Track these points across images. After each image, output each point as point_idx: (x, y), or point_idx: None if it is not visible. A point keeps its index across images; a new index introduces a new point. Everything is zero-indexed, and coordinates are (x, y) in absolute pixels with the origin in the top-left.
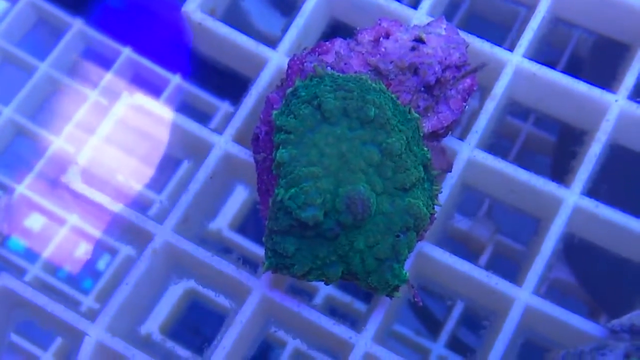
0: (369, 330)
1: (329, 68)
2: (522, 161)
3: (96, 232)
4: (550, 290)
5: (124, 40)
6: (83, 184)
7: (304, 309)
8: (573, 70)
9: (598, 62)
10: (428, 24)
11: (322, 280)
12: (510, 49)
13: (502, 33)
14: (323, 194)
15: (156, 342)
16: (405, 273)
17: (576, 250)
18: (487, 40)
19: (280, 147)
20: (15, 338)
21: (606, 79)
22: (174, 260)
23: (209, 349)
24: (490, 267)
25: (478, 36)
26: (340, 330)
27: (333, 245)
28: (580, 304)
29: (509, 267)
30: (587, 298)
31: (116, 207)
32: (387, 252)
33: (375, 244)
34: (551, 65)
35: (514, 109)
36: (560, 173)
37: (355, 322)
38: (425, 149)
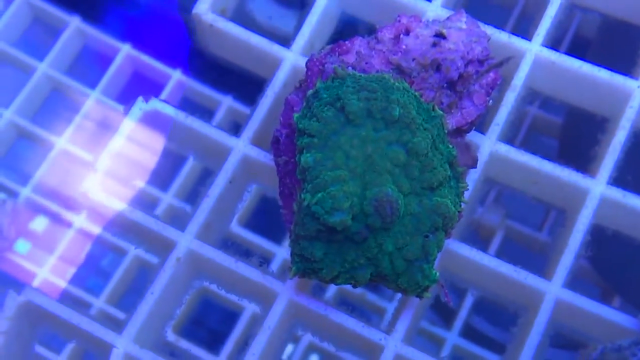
0: (398, 331)
1: (350, 68)
2: (528, 144)
3: (105, 234)
4: None
5: (123, 36)
6: (102, 192)
7: (331, 312)
8: (577, 51)
9: (607, 43)
10: (448, 18)
11: (351, 284)
12: (514, 32)
13: (504, 15)
14: (350, 197)
15: (170, 343)
16: (436, 273)
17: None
18: (504, 30)
19: (304, 151)
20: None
21: (615, 61)
22: (197, 266)
23: (239, 356)
24: (502, 252)
25: (495, 26)
26: (370, 332)
27: (361, 248)
28: (591, 286)
29: (521, 252)
30: (599, 280)
31: (136, 215)
32: (417, 253)
33: (405, 246)
34: (555, 45)
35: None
36: (568, 155)
37: (363, 312)
38: (451, 146)
